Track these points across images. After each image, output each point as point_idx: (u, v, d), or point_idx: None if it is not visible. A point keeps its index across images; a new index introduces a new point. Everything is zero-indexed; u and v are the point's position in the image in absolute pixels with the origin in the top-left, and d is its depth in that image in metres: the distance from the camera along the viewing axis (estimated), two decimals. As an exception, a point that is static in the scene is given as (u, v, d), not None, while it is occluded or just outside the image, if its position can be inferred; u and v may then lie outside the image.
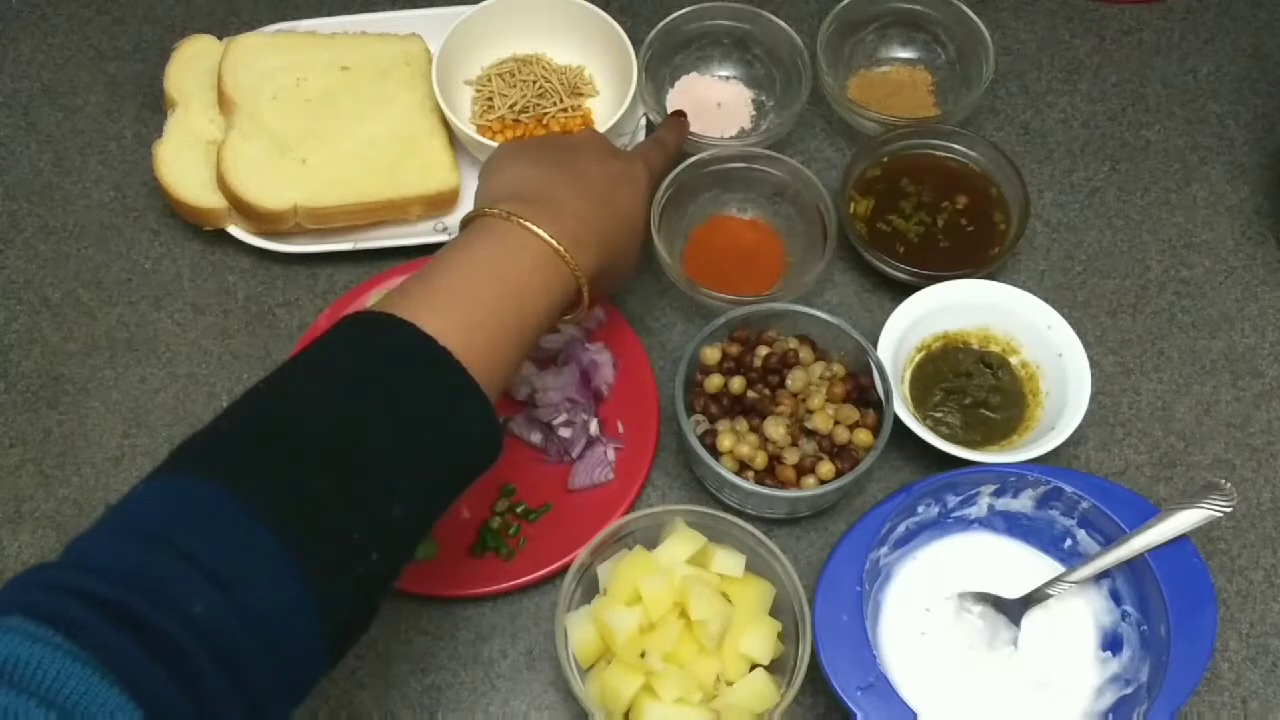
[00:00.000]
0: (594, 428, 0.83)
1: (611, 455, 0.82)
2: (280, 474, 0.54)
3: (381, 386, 0.58)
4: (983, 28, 0.95)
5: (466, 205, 0.93)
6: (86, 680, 0.44)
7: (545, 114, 0.95)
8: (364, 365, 0.59)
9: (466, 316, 0.62)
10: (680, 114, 0.89)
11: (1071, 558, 0.78)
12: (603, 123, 0.93)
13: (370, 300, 0.85)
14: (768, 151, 0.89)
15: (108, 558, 0.50)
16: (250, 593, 0.50)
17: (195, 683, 0.47)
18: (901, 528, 0.78)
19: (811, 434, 0.79)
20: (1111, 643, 0.76)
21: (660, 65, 0.97)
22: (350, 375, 0.59)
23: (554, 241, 0.67)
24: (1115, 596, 0.77)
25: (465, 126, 0.92)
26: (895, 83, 0.99)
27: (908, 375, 0.86)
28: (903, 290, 0.86)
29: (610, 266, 0.73)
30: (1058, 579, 0.76)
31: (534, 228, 0.66)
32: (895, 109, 0.96)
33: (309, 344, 0.61)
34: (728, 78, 0.99)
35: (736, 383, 0.81)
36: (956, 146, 0.93)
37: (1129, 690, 0.73)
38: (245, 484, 0.53)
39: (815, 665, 0.71)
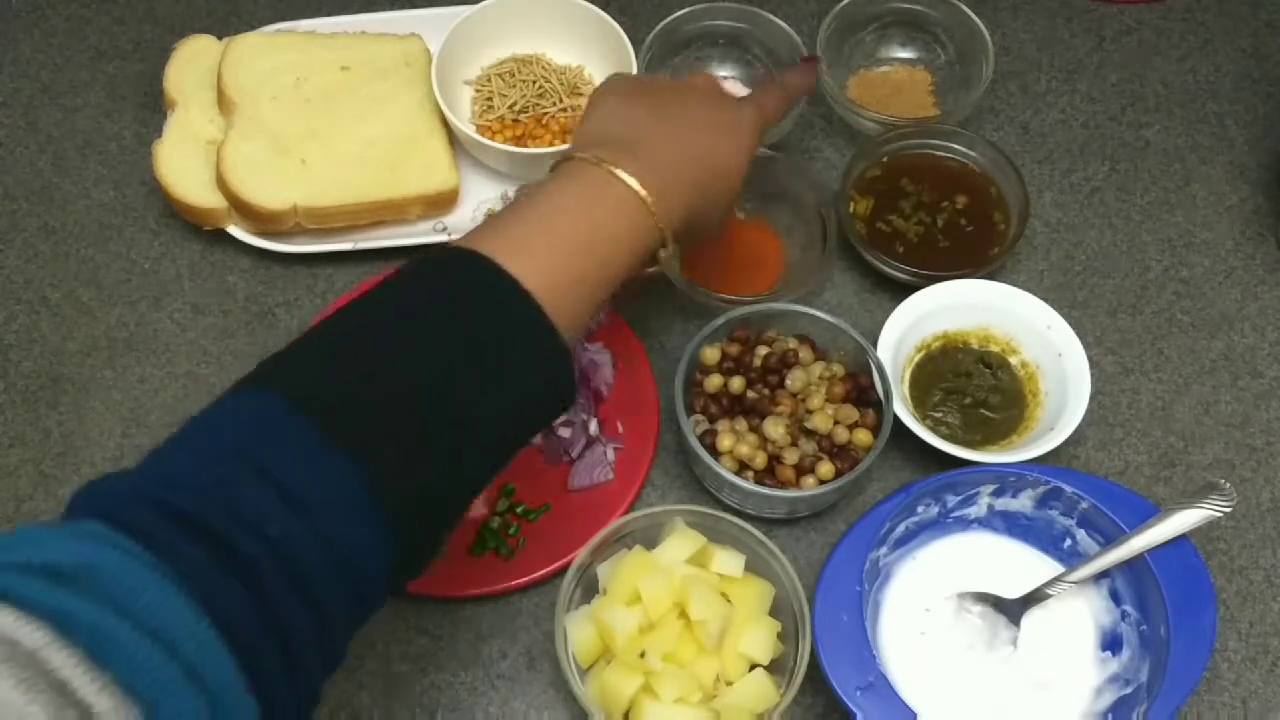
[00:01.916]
0: (593, 428, 0.83)
1: (611, 455, 0.82)
2: (359, 404, 0.54)
3: (461, 324, 0.58)
4: (982, 28, 0.95)
5: (466, 205, 0.93)
6: (163, 592, 0.44)
7: (545, 114, 0.95)
8: (445, 301, 0.59)
9: (549, 259, 0.61)
10: (812, 59, 0.88)
11: (1071, 558, 0.78)
12: (602, 123, 0.93)
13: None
14: (768, 151, 0.89)
15: (189, 471, 0.50)
16: (325, 519, 0.50)
17: (267, 602, 0.47)
18: (901, 528, 0.78)
19: (811, 434, 0.79)
20: (1111, 643, 0.76)
21: (660, 65, 0.97)
22: (431, 311, 0.58)
23: (642, 191, 0.66)
24: (1115, 596, 0.77)
25: (465, 126, 0.92)
26: (895, 83, 0.99)
27: (907, 375, 0.86)
28: (902, 290, 0.86)
29: (698, 218, 0.72)
30: (1057, 579, 0.76)
31: (623, 175, 0.65)
32: (895, 109, 0.96)
33: (392, 275, 0.60)
34: (727, 78, 0.99)
35: (736, 383, 0.81)
36: (956, 146, 0.93)
37: (1128, 690, 0.73)
38: (325, 410, 0.53)
39: (815, 665, 0.71)
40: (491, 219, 0.64)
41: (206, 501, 0.48)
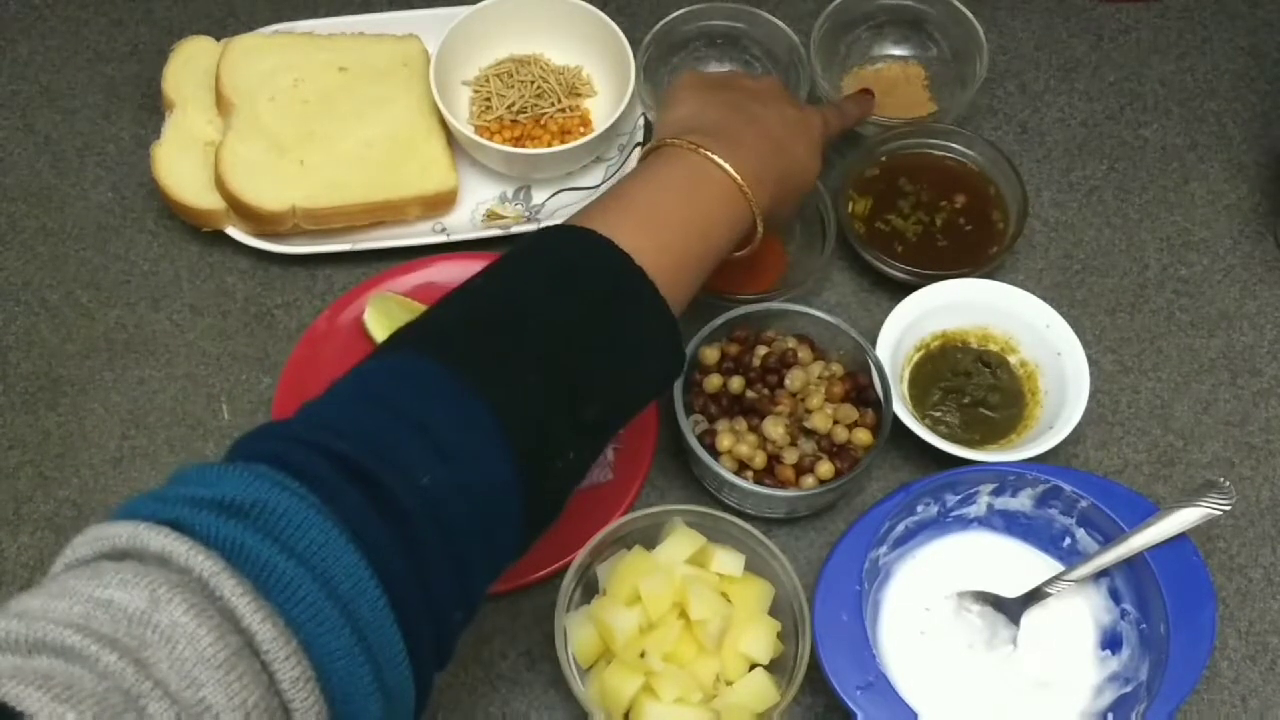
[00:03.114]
0: (593, 428, 0.83)
1: (610, 455, 0.82)
2: (497, 361, 0.57)
3: (581, 295, 0.61)
4: (976, 23, 0.95)
5: (465, 206, 0.93)
6: (326, 533, 0.46)
7: (543, 114, 0.95)
8: (567, 273, 0.62)
9: (657, 238, 0.64)
10: (869, 93, 0.91)
11: (1070, 556, 0.78)
12: (601, 123, 0.93)
13: (368, 302, 0.85)
14: (766, 151, 0.89)
15: (345, 421, 0.52)
16: (472, 469, 0.53)
17: (415, 547, 0.49)
18: (901, 527, 0.78)
19: (810, 433, 0.79)
20: (1111, 641, 0.76)
21: (658, 65, 0.97)
22: (556, 280, 0.61)
23: (737, 176, 0.68)
24: (1114, 595, 0.77)
25: (463, 127, 0.92)
26: (889, 80, 0.99)
27: (906, 374, 0.86)
28: (901, 289, 0.86)
29: (779, 209, 0.75)
30: (1057, 578, 0.76)
31: (720, 160, 0.68)
32: (890, 108, 0.96)
33: (514, 249, 0.63)
34: (726, 77, 0.99)
35: (735, 382, 0.81)
36: (955, 146, 0.93)
37: (1128, 689, 0.73)
38: (467, 366, 0.55)
39: (815, 665, 0.71)
40: (596, 201, 0.67)
41: (365, 448, 0.50)
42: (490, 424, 0.54)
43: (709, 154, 0.68)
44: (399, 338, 0.58)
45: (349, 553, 0.46)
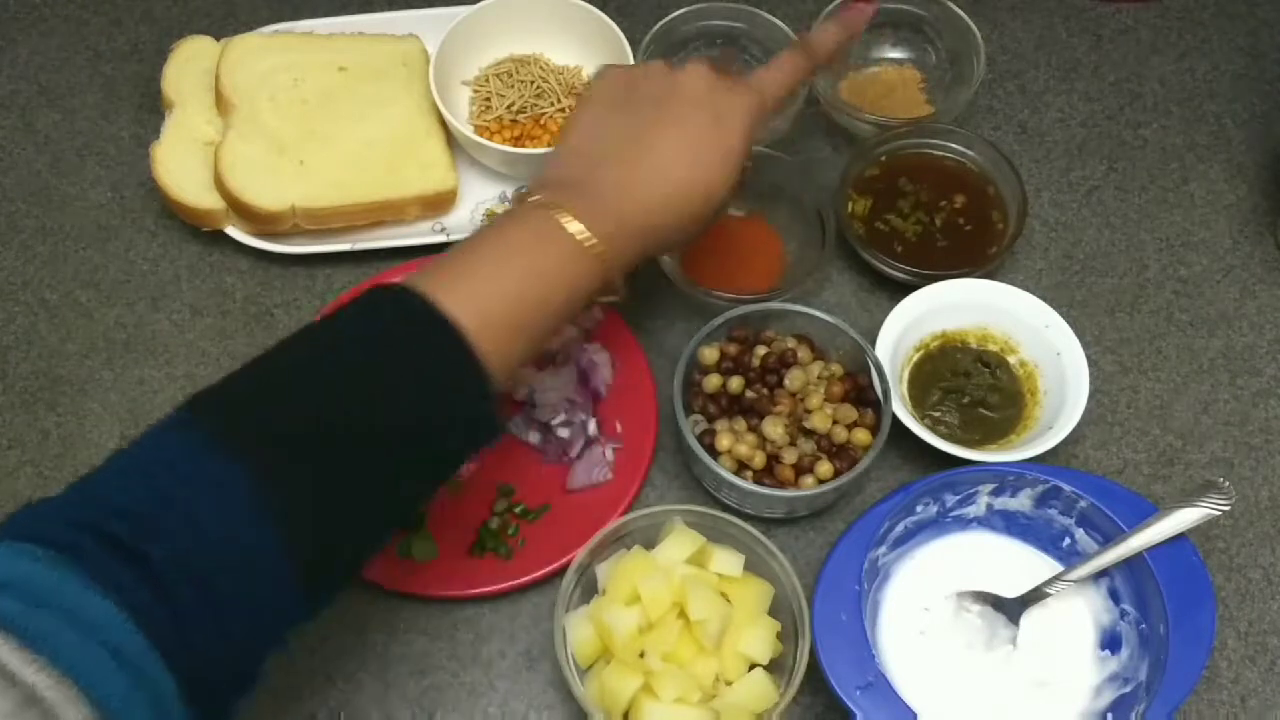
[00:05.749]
0: (592, 428, 0.83)
1: (610, 455, 0.82)
2: (275, 434, 0.57)
3: (384, 357, 0.60)
4: (973, 25, 0.95)
5: (464, 206, 0.93)
6: (83, 590, 0.49)
7: (543, 114, 0.95)
8: (371, 334, 0.61)
9: (486, 300, 0.63)
10: (852, 7, 0.82)
11: (1070, 556, 0.78)
12: (600, 123, 0.93)
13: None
14: (766, 150, 0.89)
15: (109, 494, 0.54)
16: (225, 536, 0.54)
17: (172, 603, 0.51)
18: (900, 527, 0.78)
19: (810, 433, 0.79)
20: (1110, 641, 0.76)
21: (658, 65, 0.97)
22: (356, 343, 0.61)
23: (584, 235, 0.67)
24: (1114, 595, 0.77)
25: (463, 127, 0.92)
26: (886, 83, 0.99)
27: (906, 374, 0.86)
28: (901, 290, 0.86)
29: (665, 243, 0.73)
30: (1056, 578, 0.76)
31: (566, 220, 0.66)
32: (888, 109, 0.96)
33: (338, 309, 0.63)
34: (725, 77, 0.99)
35: (735, 382, 0.81)
36: (954, 146, 0.93)
37: (1128, 689, 0.73)
38: (241, 440, 0.56)
39: (814, 665, 0.71)
40: (440, 256, 0.66)
41: (124, 520, 0.52)
42: (247, 490, 0.54)
43: (561, 215, 0.66)
44: (188, 406, 0.58)
45: (106, 602, 0.49)
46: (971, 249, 0.89)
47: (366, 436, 0.58)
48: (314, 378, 0.59)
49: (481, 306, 0.62)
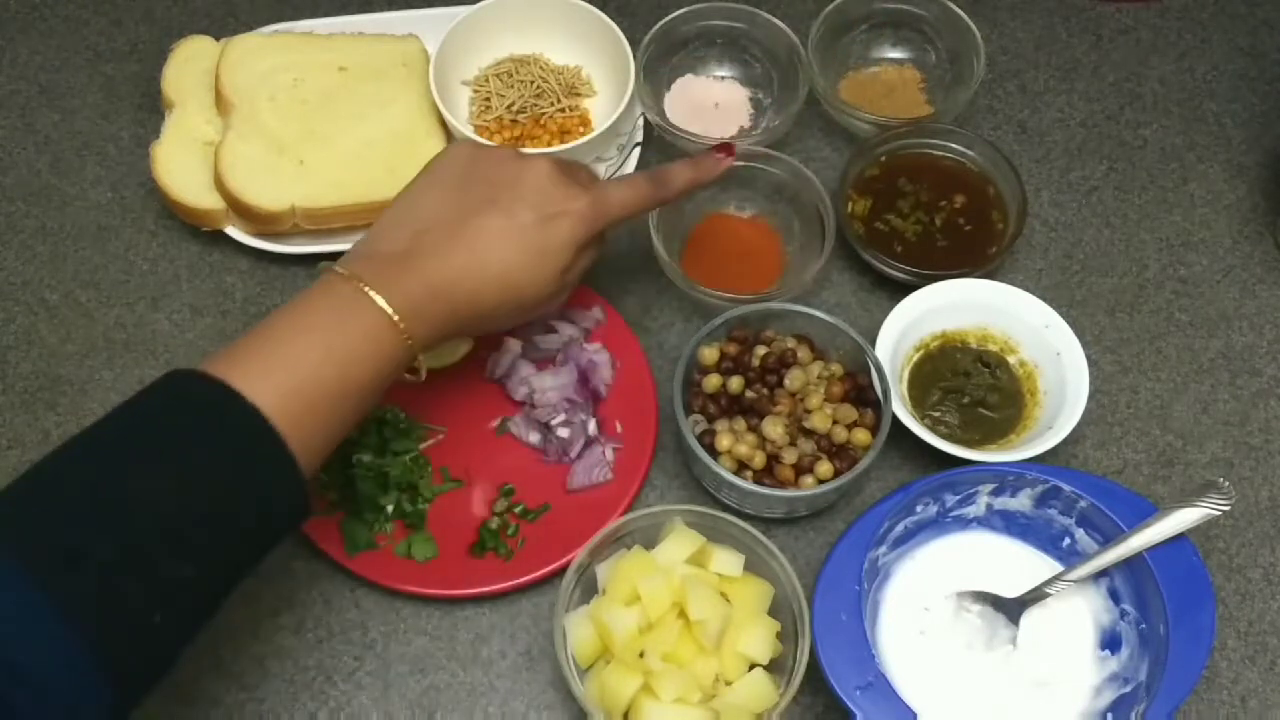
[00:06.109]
0: (592, 428, 0.83)
1: (610, 455, 0.82)
2: (60, 538, 0.55)
3: (179, 445, 0.59)
4: (972, 26, 0.95)
5: (464, 205, 0.93)
6: None
7: (543, 114, 0.95)
8: (166, 423, 0.60)
9: (284, 379, 0.62)
10: (725, 150, 0.82)
11: (1070, 556, 0.78)
12: (600, 123, 0.93)
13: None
14: (766, 150, 0.89)
15: None
16: (22, 654, 0.52)
17: None
18: (900, 527, 0.78)
19: (810, 433, 0.79)
20: (1110, 641, 0.76)
21: (658, 65, 0.97)
22: (149, 433, 0.60)
23: (389, 310, 0.66)
24: (1114, 595, 0.77)
25: (463, 127, 0.92)
26: (886, 83, 0.99)
27: (906, 374, 0.86)
28: (901, 290, 0.86)
29: (478, 323, 0.72)
30: (1056, 578, 0.76)
31: (371, 294, 0.66)
32: (887, 109, 0.96)
33: (130, 400, 0.61)
34: (725, 77, 0.99)
35: (735, 382, 0.81)
36: (954, 146, 0.93)
37: (1127, 689, 0.73)
38: (24, 548, 0.54)
39: (814, 665, 0.71)
40: (239, 339, 0.65)
41: None
42: (45, 607, 0.53)
43: (362, 286, 0.66)
44: None
45: None
46: (971, 249, 0.89)
47: (167, 533, 0.57)
48: (108, 481, 0.57)
49: (279, 386, 0.61)
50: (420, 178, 0.74)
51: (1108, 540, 0.76)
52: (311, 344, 0.64)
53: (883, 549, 0.77)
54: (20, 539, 0.55)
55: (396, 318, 0.66)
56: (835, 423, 0.79)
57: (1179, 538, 0.75)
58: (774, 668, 0.73)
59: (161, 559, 0.57)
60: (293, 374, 0.63)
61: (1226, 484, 0.76)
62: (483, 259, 0.70)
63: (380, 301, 0.66)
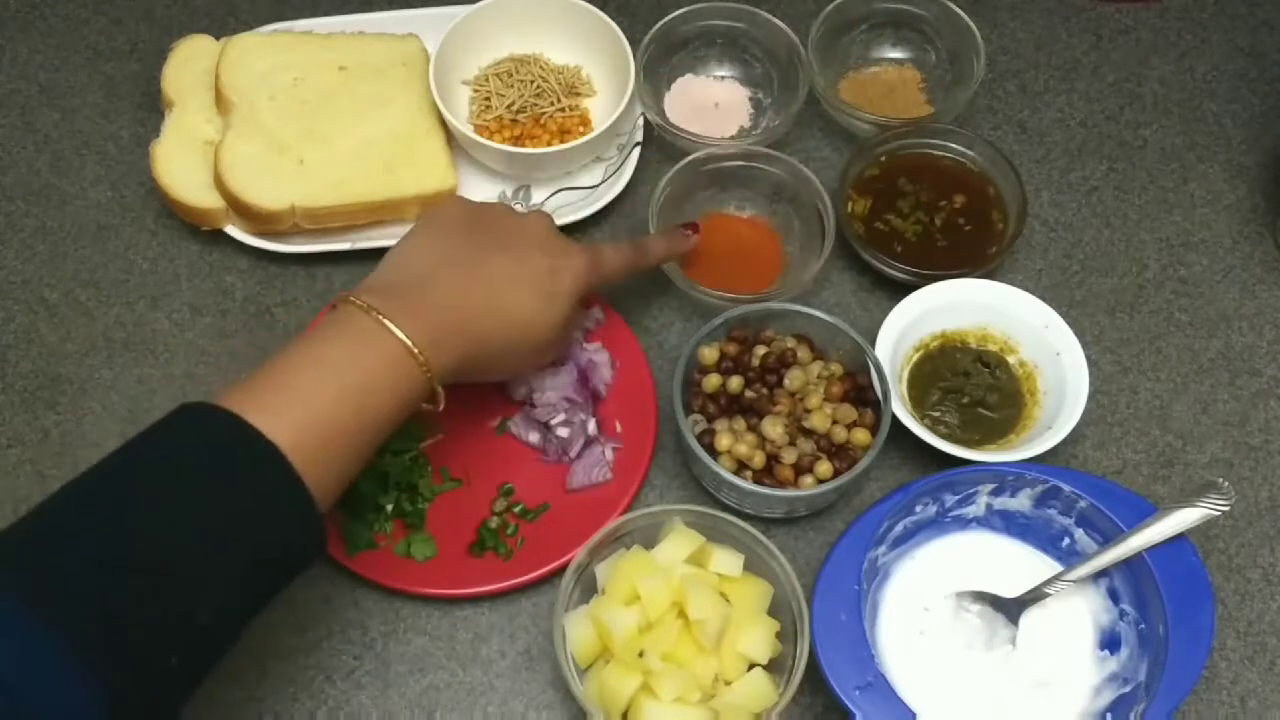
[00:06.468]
0: (592, 427, 0.83)
1: (609, 455, 0.82)
2: (76, 581, 0.54)
3: (195, 482, 0.58)
4: (973, 26, 0.95)
5: (464, 205, 0.93)
6: None
7: (543, 114, 0.95)
8: (180, 459, 0.59)
9: (301, 414, 0.61)
10: (690, 229, 0.85)
11: (1069, 557, 0.78)
12: (600, 123, 0.93)
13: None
14: (766, 150, 0.89)
15: None
16: (37, 701, 0.51)
17: None
18: (899, 527, 0.78)
19: (809, 433, 0.79)
20: (1110, 641, 0.76)
21: (658, 65, 0.97)
22: (164, 470, 0.59)
23: (408, 341, 0.66)
24: (1113, 595, 0.77)
25: (463, 126, 0.92)
26: (886, 83, 0.99)
27: (905, 374, 0.86)
28: (900, 289, 0.86)
29: (489, 366, 0.73)
30: (1056, 578, 0.76)
31: (389, 324, 0.65)
32: (887, 109, 0.96)
33: (141, 436, 0.60)
34: (725, 77, 0.99)
35: (734, 382, 0.81)
36: (954, 146, 0.93)
37: (1127, 689, 0.73)
38: (40, 591, 0.53)
39: (814, 664, 0.71)
40: (254, 371, 0.64)
41: None
42: (60, 652, 0.52)
43: (380, 317, 0.65)
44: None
45: None
46: (971, 249, 0.89)
47: (183, 578, 0.56)
48: (123, 521, 0.56)
49: (295, 421, 0.60)
50: (421, 226, 0.75)
51: (1107, 540, 0.76)
52: (328, 378, 0.64)
53: (882, 549, 0.77)
54: (30, 580, 0.54)
55: (416, 349, 0.66)
56: (835, 423, 0.79)
57: (1178, 538, 0.75)
58: (773, 667, 0.73)
59: (176, 598, 0.56)
60: (309, 409, 0.62)
61: (1226, 484, 0.76)
62: (500, 298, 0.71)
63: (399, 333, 0.66)
